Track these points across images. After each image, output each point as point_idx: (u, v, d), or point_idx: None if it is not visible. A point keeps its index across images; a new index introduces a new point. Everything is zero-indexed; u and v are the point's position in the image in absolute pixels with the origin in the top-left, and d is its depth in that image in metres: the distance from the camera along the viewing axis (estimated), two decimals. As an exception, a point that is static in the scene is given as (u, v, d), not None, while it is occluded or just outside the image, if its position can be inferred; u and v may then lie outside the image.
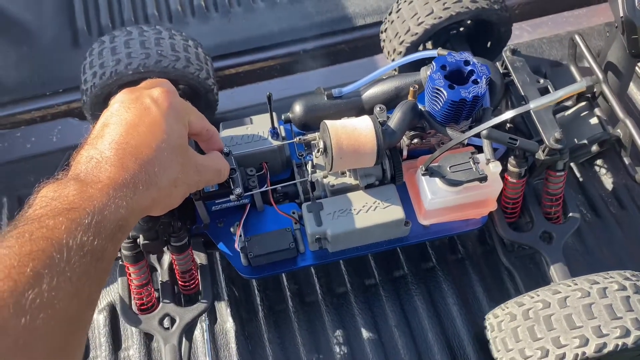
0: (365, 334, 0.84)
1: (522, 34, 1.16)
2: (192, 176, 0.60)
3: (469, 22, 0.92)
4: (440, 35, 0.91)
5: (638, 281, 0.67)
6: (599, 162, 0.98)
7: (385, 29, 0.94)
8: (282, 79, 1.15)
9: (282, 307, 0.86)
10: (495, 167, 0.67)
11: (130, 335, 0.84)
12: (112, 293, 0.86)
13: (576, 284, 0.67)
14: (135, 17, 1.22)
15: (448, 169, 0.67)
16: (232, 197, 0.69)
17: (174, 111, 0.58)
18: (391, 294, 0.87)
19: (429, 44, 0.95)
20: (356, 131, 0.68)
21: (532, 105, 0.61)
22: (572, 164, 0.97)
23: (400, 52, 0.90)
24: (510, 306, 0.70)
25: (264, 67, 1.18)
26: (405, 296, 0.87)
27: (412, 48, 0.88)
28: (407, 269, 0.89)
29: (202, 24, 1.22)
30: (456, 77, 0.69)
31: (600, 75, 0.78)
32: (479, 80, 0.67)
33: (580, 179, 0.97)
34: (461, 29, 0.93)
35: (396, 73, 0.94)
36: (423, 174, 0.67)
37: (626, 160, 0.76)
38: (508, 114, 0.62)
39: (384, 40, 0.96)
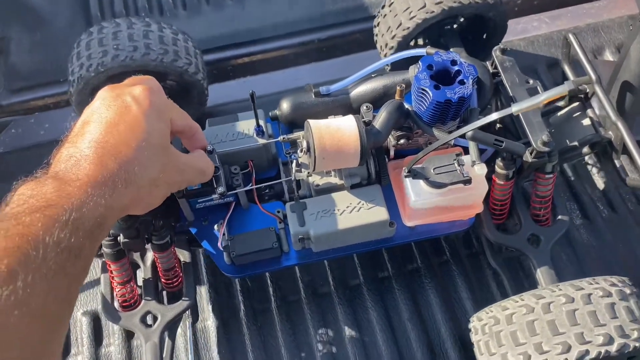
0: (377, 326, 0.84)
1: (541, 25, 1.14)
2: (174, 176, 0.60)
3: (462, 17, 0.90)
4: (433, 30, 0.90)
5: (624, 287, 0.66)
6: (590, 163, 0.96)
7: (378, 23, 0.93)
8: (281, 71, 1.13)
9: (266, 306, 0.86)
10: (480, 169, 0.66)
11: (112, 332, 0.83)
12: (95, 290, 0.86)
13: (560, 290, 0.66)
14: (150, 4, 1.22)
15: (432, 170, 0.66)
16: (214, 195, 0.69)
17: (155, 110, 0.58)
18: (404, 287, 0.87)
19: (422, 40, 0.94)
20: (339, 131, 0.67)
21: (514, 108, 0.60)
22: (564, 165, 0.96)
23: (392, 47, 0.88)
24: (494, 310, 0.69)
25: (260, 59, 1.17)
26: (419, 289, 0.87)
27: (404, 43, 0.87)
28: (421, 262, 0.88)
29: (214, 13, 1.21)
30: (443, 77, 0.67)
31: (593, 76, 0.76)
32: (465, 80, 0.66)
33: (572, 180, 0.96)
34: (455, 24, 0.92)
35: (389, 69, 0.93)
36: (406, 176, 0.66)
37: (617, 163, 0.75)
38: (490, 117, 0.61)
39: (376, 35, 0.95)
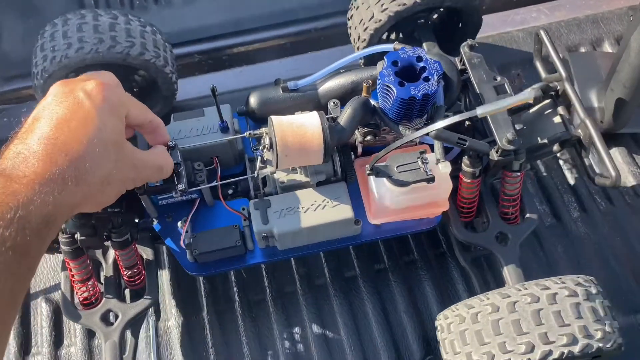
0: (372, 318, 0.84)
1: (540, 16, 1.14)
2: (128, 173, 0.58)
3: (437, 11, 0.89)
4: (407, 24, 0.89)
5: (590, 287, 0.66)
6: (561, 161, 0.96)
7: (352, 16, 0.92)
8: (255, 65, 1.12)
9: (261, 297, 0.86)
10: (444, 168, 0.65)
11: (73, 332, 0.82)
12: (55, 288, 0.85)
13: (526, 289, 0.65)
14: None
15: (395, 168, 0.65)
16: (175, 193, 0.67)
17: (109, 105, 0.56)
18: (400, 279, 0.86)
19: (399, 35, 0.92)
20: (302, 127, 0.66)
21: (479, 111, 0.59)
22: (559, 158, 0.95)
23: (365, 40, 0.87)
24: (460, 308, 0.69)
25: (233, 53, 1.15)
26: (415, 281, 0.86)
27: (377, 35, 0.86)
28: (417, 254, 0.88)
29: (185, 7, 1.18)
30: (408, 73, 0.66)
31: (563, 74, 0.75)
32: (430, 77, 0.65)
33: (569, 172, 0.95)
34: (430, 18, 0.91)
35: (362, 64, 0.92)
36: (368, 174, 0.65)
37: (586, 161, 0.74)
38: (453, 119, 0.60)
39: (350, 28, 0.93)
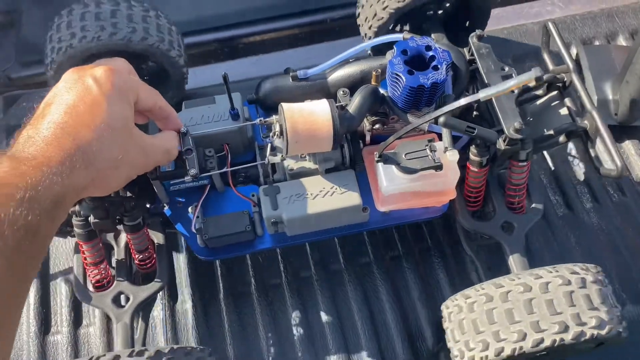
0: (386, 304, 0.85)
1: (554, 9, 1.15)
2: (136, 157, 0.60)
3: (445, 3, 0.90)
4: (415, 17, 0.89)
5: (586, 275, 0.66)
6: (572, 152, 0.96)
7: (359, 14, 0.93)
8: (267, 55, 1.13)
9: (277, 282, 0.87)
10: (452, 156, 0.66)
11: (92, 313, 0.84)
12: (74, 269, 0.86)
13: (519, 278, 0.66)
14: None
15: (403, 156, 0.66)
16: (186, 178, 0.68)
17: (117, 90, 0.58)
18: (414, 265, 0.88)
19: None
20: (313, 115, 0.67)
21: (482, 94, 0.60)
22: (545, 153, 0.96)
23: (371, 37, 0.88)
24: (458, 298, 0.70)
25: (245, 42, 1.16)
26: (429, 268, 0.88)
27: (381, 33, 0.87)
28: (431, 242, 0.89)
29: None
30: (417, 62, 0.67)
31: (570, 65, 0.76)
32: (439, 66, 0.65)
33: (555, 169, 0.96)
34: (438, 10, 0.91)
35: (370, 55, 0.93)
36: (377, 161, 0.66)
37: (592, 152, 0.75)
38: (457, 103, 0.61)
39: (359, 25, 0.94)
